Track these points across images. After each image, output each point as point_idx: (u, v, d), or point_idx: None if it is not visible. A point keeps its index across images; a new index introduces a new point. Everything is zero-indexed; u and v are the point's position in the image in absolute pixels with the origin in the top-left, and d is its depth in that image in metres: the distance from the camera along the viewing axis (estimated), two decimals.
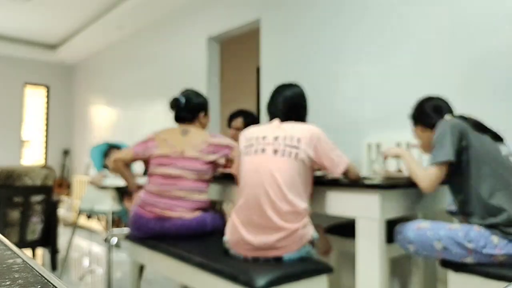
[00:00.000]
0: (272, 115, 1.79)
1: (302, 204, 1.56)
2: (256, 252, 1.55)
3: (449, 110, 1.72)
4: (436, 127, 1.62)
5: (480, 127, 1.59)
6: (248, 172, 1.62)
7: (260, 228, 1.54)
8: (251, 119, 2.91)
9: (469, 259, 1.47)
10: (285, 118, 1.74)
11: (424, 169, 1.55)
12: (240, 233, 1.58)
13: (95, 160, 3.24)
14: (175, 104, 2.08)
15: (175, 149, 1.97)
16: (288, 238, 1.52)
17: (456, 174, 1.57)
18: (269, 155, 1.59)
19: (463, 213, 1.58)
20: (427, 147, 1.76)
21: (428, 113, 1.73)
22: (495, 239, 1.44)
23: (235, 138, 2.83)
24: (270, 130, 1.67)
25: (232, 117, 2.93)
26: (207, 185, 2.01)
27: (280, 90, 1.80)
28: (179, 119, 2.11)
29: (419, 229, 1.56)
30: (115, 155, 2.09)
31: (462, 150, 1.53)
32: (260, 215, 1.54)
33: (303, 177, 1.58)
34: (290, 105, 1.76)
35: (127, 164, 2.10)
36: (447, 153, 1.51)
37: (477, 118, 1.64)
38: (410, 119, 1.81)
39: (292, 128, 1.64)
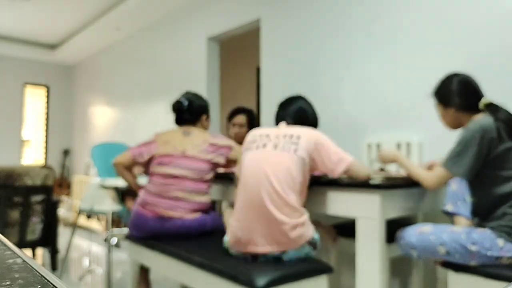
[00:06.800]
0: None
1: (298, 200, 1.56)
2: (254, 247, 1.55)
3: (479, 92, 1.57)
4: (465, 125, 1.52)
5: None
6: (249, 166, 1.64)
7: (259, 221, 1.53)
8: (252, 117, 2.90)
9: (473, 263, 1.45)
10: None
11: (432, 168, 1.52)
12: (236, 231, 1.58)
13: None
14: (178, 107, 2.08)
15: (177, 149, 1.97)
16: (287, 234, 1.50)
17: (476, 180, 1.52)
18: (269, 150, 1.63)
19: (475, 214, 1.56)
20: (450, 125, 1.64)
21: (453, 92, 1.56)
22: (501, 242, 1.42)
23: (238, 135, 2.82)
24: (275, 130, 1.72)
25: (234, 113, 2.91)
26: (208, 186, 2.00)
27: (284, 106, 1.87)
28: (180, 121, 2.10)
29: (421, 233, 1.53)
30: (115, 159, 2.07)
31: (487, 161, 1.46)
32: (260, 209, 1.54)
33: (301, 174, 1.58)
34: (296, 119, 1.83)
35: (128, 167, 2.08)
36: (464, 167, 1.45)
37: None
38: (432, 96, 1.67)
39: (295, 128, 1.70)
